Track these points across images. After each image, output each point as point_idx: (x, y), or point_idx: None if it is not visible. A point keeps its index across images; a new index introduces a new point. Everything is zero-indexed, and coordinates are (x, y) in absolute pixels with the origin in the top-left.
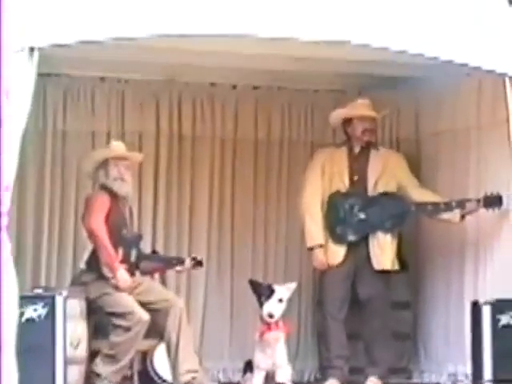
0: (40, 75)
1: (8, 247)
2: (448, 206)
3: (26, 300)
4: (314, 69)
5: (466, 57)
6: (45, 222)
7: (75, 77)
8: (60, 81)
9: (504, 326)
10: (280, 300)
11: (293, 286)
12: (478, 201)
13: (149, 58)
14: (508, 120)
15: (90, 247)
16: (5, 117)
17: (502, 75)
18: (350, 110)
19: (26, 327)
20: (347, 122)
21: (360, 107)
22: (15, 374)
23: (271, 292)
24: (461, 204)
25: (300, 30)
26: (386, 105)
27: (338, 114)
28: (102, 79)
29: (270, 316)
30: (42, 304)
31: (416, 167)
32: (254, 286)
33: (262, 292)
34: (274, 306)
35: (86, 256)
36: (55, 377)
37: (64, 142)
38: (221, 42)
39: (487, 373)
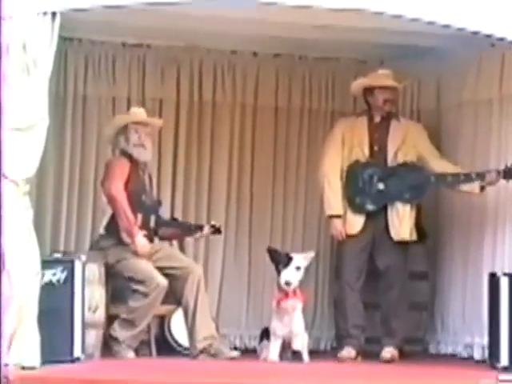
0: (61, 40)
1: (30, 212)
2: (468, 178)
3: (45, 264)
4: (335, 37)
5: (489, 27)
6: (64, 187)
7: (96, 42)
8: (81, 46)
9: None
10: (298, 268)
11: (310, 254)
12: (498, 172)
13: (170, 24)
14: None
15: (109, 212)
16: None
17: None
18: (372, 80)
19: (46, 291)
20: (368, 91)
21: (381, 77)
22: (37, 336)
23: (289, 260)
24: (481, 175)
25: None
26: (408, 75)
27: (359, 84)
28: (123, 45)
29: (288, 284)
30: (61, 268)
31: (437, 138)
32: (272, 254)
33: (280, 260)
34: (291, 274)
35: (105, 221)
36: (73, 340)
37: (84, 107)
38: (242, 9)
39: (504, 344)
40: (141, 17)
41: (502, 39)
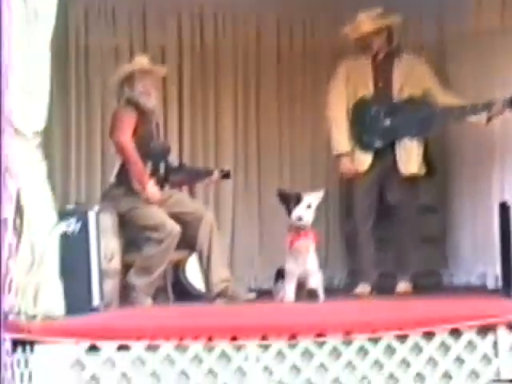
0: None
1: (44, 165)
2: (474, 109)
3: (58, 216)
4: None
5: None
6: (72, 139)
7: None
8: None
9: None
10: (308, 206)
11: (320, 194)
12: (504, 102)
13: None
14: None
15: (118, 162)
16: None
17: None
18: (351, 30)
19: (61, 242)
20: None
21: (356, 25)
22: (60, 287)
23: (299, 199)
24: (487, 106)
25: None
26: (403, 9)
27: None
28: None
29: (299, 219)
30: (75, 219)
31: (441, 70)
32: (282, 195)
33: (290, 200)
34: (302, 211)
35: (115, 171)
36: (91, 289)
37: (87, 59)
38: None
39: None
40: None
41: None
